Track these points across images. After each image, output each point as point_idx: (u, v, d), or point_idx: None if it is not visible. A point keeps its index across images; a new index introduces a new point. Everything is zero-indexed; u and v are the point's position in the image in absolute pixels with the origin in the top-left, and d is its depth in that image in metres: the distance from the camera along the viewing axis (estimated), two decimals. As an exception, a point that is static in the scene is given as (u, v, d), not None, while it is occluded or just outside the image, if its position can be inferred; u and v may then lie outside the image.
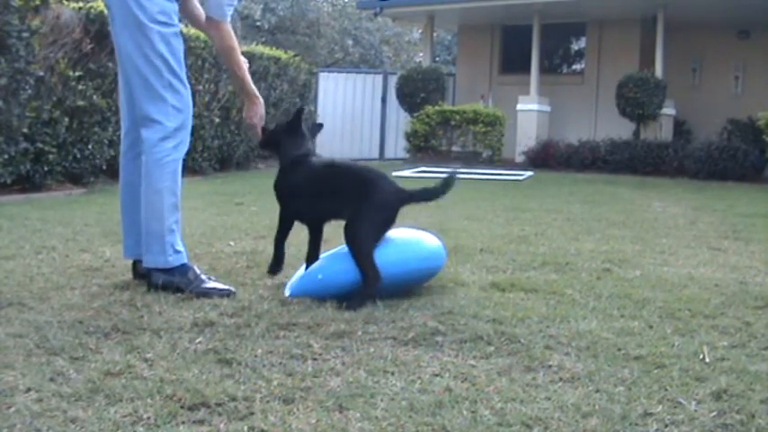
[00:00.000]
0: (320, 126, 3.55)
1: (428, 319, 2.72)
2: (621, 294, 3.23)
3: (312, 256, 3.24)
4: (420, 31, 21.77)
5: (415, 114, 14.24)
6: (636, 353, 2.39)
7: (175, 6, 3.16)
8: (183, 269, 3.09)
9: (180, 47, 3.15)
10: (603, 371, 2.21)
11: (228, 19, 3.25)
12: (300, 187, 3.21)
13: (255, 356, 2.26)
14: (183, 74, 3.14)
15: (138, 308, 2.79)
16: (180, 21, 3.23)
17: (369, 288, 2.91)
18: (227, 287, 3.09)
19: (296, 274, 3.20)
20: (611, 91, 13.17)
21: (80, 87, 7.39)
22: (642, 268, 3.89)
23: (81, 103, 7.37)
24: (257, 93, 3.38)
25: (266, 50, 11.75)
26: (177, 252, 3.10)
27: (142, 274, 3.20)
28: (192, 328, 2.55)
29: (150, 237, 3.09)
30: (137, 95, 3.11)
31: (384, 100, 15.89)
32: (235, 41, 3.29)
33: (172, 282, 3.05)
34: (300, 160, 3.23)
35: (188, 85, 3.19)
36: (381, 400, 1.93)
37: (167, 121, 3.08)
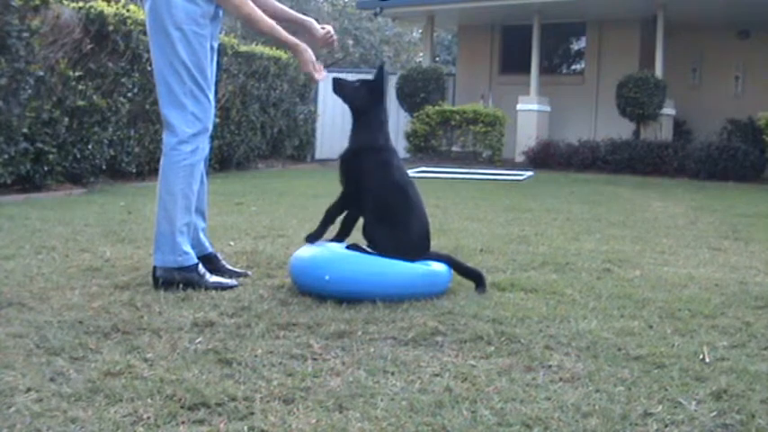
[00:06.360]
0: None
1: (428, 319, 2.72)
2: (621, 294, 3.23)
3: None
4: (420, 31, 21.76)
5: (415, 114, 14.24)
6: (636, 353, 2.39)
7: (202, 10, 3.09)
8: (191, 268, 3.16)
9: (206, 56, 3.13)
10: (603, 371, 2.21)
11: None
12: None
13: (255, 356, 2.26)
14: (206, 83, 3.15)
15: (138, 308, 2.79)
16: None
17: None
18: (230, 280, 3.23)
19: (305, 248, 3.20)
20: (611, 91, 13.17)
21: (80, 87, 7.39)
22: (642, 268, 3.88)
23: (81, 103, 7.37)
24: (297, 41, 3.25)
25: (266, 50, 11.73)
26: (186, 253, 3.16)
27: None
28: (192, 328, 2.55)
29: (161, 236, 3.15)
30: (159, 99, 3.16)
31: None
32: (249, 6, 3.15)
33: (186, 278, 3.11)
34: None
35: (210, 96, 3.18)
36: (381, 400, 1.93)
37: (186, 126, 3.13)
